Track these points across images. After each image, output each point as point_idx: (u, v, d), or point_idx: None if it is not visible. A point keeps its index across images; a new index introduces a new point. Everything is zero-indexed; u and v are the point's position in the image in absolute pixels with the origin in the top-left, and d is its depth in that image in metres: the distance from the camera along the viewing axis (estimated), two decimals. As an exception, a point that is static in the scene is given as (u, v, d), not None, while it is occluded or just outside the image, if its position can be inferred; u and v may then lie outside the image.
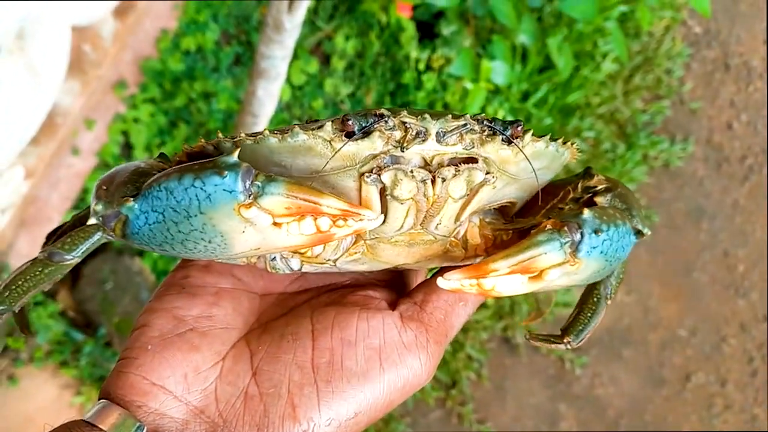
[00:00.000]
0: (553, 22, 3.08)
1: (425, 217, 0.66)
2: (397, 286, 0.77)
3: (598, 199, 0.71)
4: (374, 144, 0.63)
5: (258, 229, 0.60)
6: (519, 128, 0.66)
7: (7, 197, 2.36)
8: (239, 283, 0.73)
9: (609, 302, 0.78)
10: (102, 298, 2.57)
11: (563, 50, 2.77)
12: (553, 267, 0.65)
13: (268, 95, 2.01)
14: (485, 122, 0.65)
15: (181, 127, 2.81)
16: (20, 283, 0.67)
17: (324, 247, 0.67)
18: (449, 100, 2.99)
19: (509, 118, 3.10)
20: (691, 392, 3.10)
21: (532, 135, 0.68)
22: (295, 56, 2.96)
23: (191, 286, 0.70)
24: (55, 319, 2.53)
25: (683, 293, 3.26)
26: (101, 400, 0.63)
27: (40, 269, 0.67)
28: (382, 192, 0.64)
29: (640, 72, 3.53)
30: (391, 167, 0.63)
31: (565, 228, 0.64)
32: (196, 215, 0.59)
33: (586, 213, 0.65)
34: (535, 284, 0.66)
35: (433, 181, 0.64)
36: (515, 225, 0.73)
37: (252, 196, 0.58)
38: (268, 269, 0.69)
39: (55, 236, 0.78)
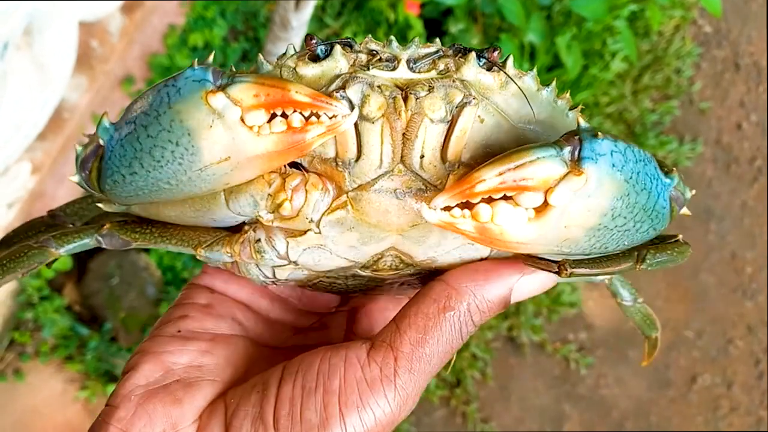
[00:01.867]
0: (562, 21, 3.06)
1: (404, 145, 0.60)
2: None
3: None
4: (338, 63, 0.60)
5: (226, 125, 0.56)
6: (496, 52, 0.61)
7: (14, 192, 2.37)
8: (238, 328, 0.71)
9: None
10: (108, 293, 2.58)
11: (572, 49, 2.76)
12: (558, 184, 0.55)
13: (275, 93, 2.01)
14: (457, 47, 0.61)
15: (188, 124, 2.81)
16: (5, 262, 0.68)
17: (305, 198, 0.61)
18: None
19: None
20: (697, 394, 3.09)
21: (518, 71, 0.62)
22: (303, 53, 2.96)
23: (187, 330, 0.69)
24: (60, 313, 2.54)
25: (690, 295, 3.25)
26: None
27: (26, 251, 0.68)
28: (356, 125, 0.60)
29: (650, 71, 3.51)
30: (356, 81, 0.59)
31: (562, 139, 0.56)
32: (165, 111, 0.57)
33: (583, 123, 0.57)
34: (543, 220, 0.57)
35: (406, 99, 0.58)
36: None
37: (221, 86, 0.56)
38: (254, 261, 0.66)
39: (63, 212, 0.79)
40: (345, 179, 0.61)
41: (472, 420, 2.90)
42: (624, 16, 3.03)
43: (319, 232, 0.63)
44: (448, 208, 0.57)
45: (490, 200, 0.57)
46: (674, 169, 0.63)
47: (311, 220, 0.62)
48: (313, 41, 0.61)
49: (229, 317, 0.71)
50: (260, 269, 0.68)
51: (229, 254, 0.66)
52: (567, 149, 0.55)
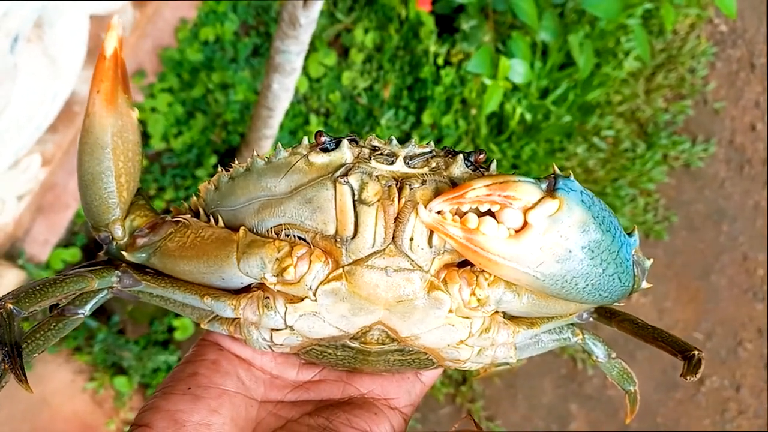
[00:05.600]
0: (575, 19, 3.04)
1: (396, 227, 0.68)
2: (399, 402, 0.80)
3: None
4: (344, 154, 0.71)
5: None
6: (481, 155, 0.71)
7: (25, 184, 2.39)
8: (242, 386, 0.76)
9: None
10: (116, 286, 2.59)
11: (584, 47, 2.73)
12: (535, 206, 0.64)
13: (284, 89, 2.01)
14: (447, 149, 0.72)
15: (198, 118, 2.82)
16: (38, 335, 0.76)
17: (309, 267, 0.69)
18: (467, 95, 2.97)
19: (528, 115, 3.05)
20: (705, 396, 3.07)
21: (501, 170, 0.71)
22: (314, 48, 2.95)
23: (197, 386, 0.74)
24: (69, 305, 2.55)
25: (700, 296, 3.22)
26: None
27: (54, 324, 0.76)
28: (354, 203, 0.69)
29: (663, 70, 3.47)
30: (357, 169, 0.69)
31: (540, 177, 0.66)
32: None
33: (557, 170, 0.66)
34: (521, 239, 0.65)
35: (401, 188, 0.68)
36: None
37: None
38: (258, 317, 0.73)
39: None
40: (342, 254, 0.69)
41: (477, 418, 2.89)
42: (638, 14, 3.01)
43: (315, 300, 0.70)
44: (441, 213, 0.66)
45: (479, 215, 0.67)
46: (635, 228, 0.73)
47: (310, 288, 0.70)
48: (323, 138, 0.71)
49: (234, 375, 0.76)
50: (259, 331, 0.74)
51: (233, 307, 0.73)
52: (545, 182, 0.65)
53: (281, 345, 0.76)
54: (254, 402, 0.76)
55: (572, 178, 0.66)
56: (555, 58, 2.99)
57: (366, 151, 0.72)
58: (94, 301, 0.76)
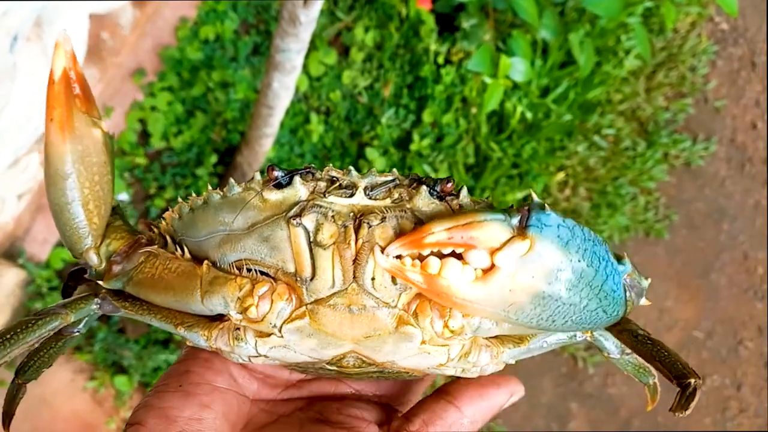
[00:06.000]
0: (576, 17, 3.03)
1: (356, 269, 0.64)
2: (395, 399, 0.78)
3: None
4: (297, 191, 0.67)
5: None
6: (449, 184, 0.66)
7: (24, 183, 2.38)
8: (234, 384, 0.75)
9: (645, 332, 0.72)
10: (116, 285, 2.59)
11: (585, 46, 2.73)
12: (503, 247, 0.59)
13: (284, 88, 2.01)
14: (412, 177, 0.67)
15: (198, 116, 2.82)
16: (42, 354, 0.76)
17: (271, 307, 0.67)
18: (467, 94, 2.96)
19: (528, 114, 3.04)
20: (706, 395, 3.07)
21: (472, 196, 0.66)
22: (314, 47, 2.95)
23: (189, 383, 0.73)
24: (70, 304, 2.55)
25: (701, 295, 3.22)
26: None
27: (54, 344, 0.76)
28: (310, 245, 0.66)
29: (664, 69, 3.47)
30: (311, 210, 0.65)
31: (512, 208, 0.61)
32: None
33: (536, 199, 0.61)
34: (489, 280, 0.60)
35: (359, 227, 0.64)
36: None
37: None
38: (230, 349, 0.71)
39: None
40: (303, 293, 0.67)
41: (478, 417, 2.89)
42: (638, 13, 3.00)
43: (281, 336, 0.68)
44: (400, 257, 0.61)
45: (441, 256, 0.61)
46: (625, 255, 0.66)
47: (274, 326, 0.68)
48: (275, 173, 0.68)
49: (226, 372, 0.75)
50: (237, 355, 0.73)
51: (205, 338, 0.71)
52: (516, 217, 0.59)
53: (261, 364, 0.75)
54: (246, 399, 0.76)
55: (548, 210, 0.59)
56: (555, 57, 2.99)
57: (322, 184, 0.67)
58: (82, 310, 0.75)
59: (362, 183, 0.67)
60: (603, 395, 3.02)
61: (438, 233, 0.59)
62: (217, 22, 2.90)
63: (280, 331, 0.68)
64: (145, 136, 2.79)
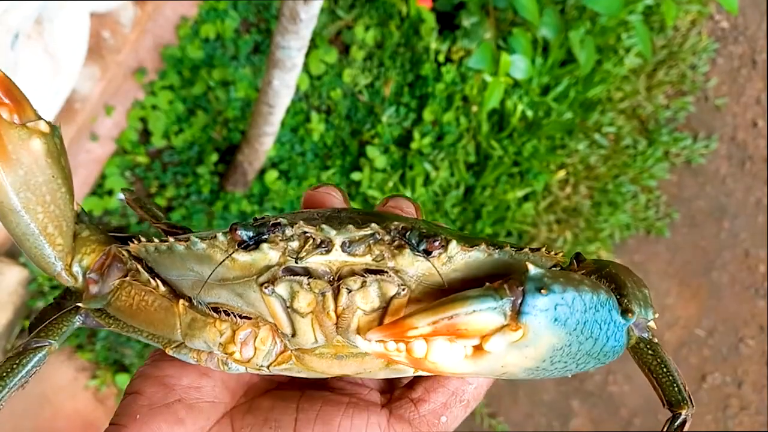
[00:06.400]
0: (576, 15, 3.03)
1: (338, 327, 0.61)
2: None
3: None
4: (267, 255, 0.60)
5: None
6: (436, 242, 0.59)
7: (26, 181, 2.38)
8: None
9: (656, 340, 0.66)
10: (118, 284, 2.59)
11: (585, 44, 2.73)
12: (494, 334, 0.54)
13: (284, 86, 2.01)
14: (394, 232, 0.60)
15: (199, 115, 2.82)
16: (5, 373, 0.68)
17: (254, 352, 0.64)
18: (468, 92, 2.97)
19: (529, 112, 3.04)
20: (707, 392, 3.07)
21: (465, 245, 0.61)
22: (315, 46, 2.95)
23: None
24: (71, 302, 2.55)
25: (702, 292, 3.22)
26: None
27: (19, 359, 0.68)
28: (287, 310, 0.61)
29: (664, 67, 3.47)
30: (284, 278, 0.60)
31: (505, 287, 0.55)
32: None
33: (532, 269, 0.55)
34: (479, 360, 0.56)
35: (338, 292, 0.59)
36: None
37: None
38: (222, 368, 0.69)
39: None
40: (286, 342, 0.64)
41: (479, 416, 2.89)
42: (639, 11, 3.00)
43: (270, 371, 0.66)
44: (383, 341, 0.57)
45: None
46: (632, 308, 0.61)
47: (261, 366, 0.65)
48: (239, 234, 0.60)
49: None
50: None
51: (195, 360, 0.68)
52: (507, 301, 0.54)
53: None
54: None
55: (544, 293, 0.54)
56: (556, 55, 2.99)
57: (294, 244, 0.60)
58: (66, 332, 0.70)
59: (338, 240, 0.59)
60: (604, 394, 3.02)
61: (421, 328, 0.55)
62: (217, 21, 2.91)
63: (268, 368, 0.66)
64: (146, 134, 2.79)
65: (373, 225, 0.60)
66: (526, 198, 3.07)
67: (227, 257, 0.60)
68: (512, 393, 2.97)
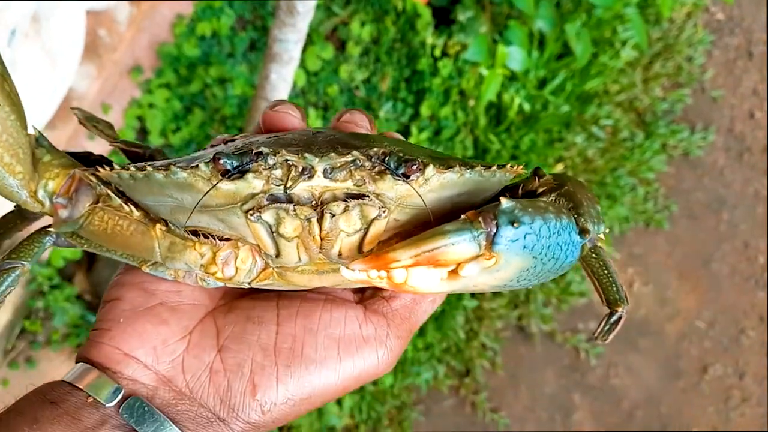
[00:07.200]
0: (572, 8, 3.04)
1: (322, 248, 0.64)
2: None
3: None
4: (251, 184, 0.61)
5: None
6: (414, 166, 0.62)
7: (24, 181, 2.38)
8: None
9: (603, 248, 0.72)
10: (117, 282, 2.59)
11: (581, 36, 2.74)
12: (469, 262, 0.59)
13: (282, 79, 2.01)
14: (375, 158, 0.62)
15: (197, 113, 2.82)
16: None
17: (236, 271, 0.66)
18: (465, 86, 2.97)
19: (526, 105, 3.04)
20: (709, 384, 3.07)
21: (440, 167, 0.64)
22: (311, 42, 2.95)
23: None
24: (71, 302, 2.55)
25: (702, 284, 3.22)
26: (79, 364, 0.68)
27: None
28: (273, 234, 0.63)
29: (661, 59, 3.47)
30: (270, 206, 0.61)
31: (480, 219, 0.59)
32: None
33: (505, 203, 0.60)
34: (453, 282, 0.61)
35: (322, 217, 0.62)
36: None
37: None
38: (200, 284, 0.69)
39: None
40: (269, 261, 0.66)
41: (481, 409, 2.89)
42: (634, 2, 3.01)
43: (251, 286, 0.68)
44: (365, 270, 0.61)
45: None
46: (588, 227, 0.66)
47: (242, 283, 0.68)
48: (221, 162, 0.61)
49: None
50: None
51: (172, 276, 0.69)
52: (482, 233, 0.59)
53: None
54: None
55: (516, 226, 0.59)
56: (552, 48, 2.99)
57: (278, 172, 0.61)
58: (36, 251, 0.70)
59: (320, 167, 0.61)
60: (606, 386, 3.02)
61: (403, 260, 0.59)
62: (213, 19, 2.91)
63: (249, 284, 0.68)
64: (143, 133, 2.79)
65: (354, 152, 0.61)
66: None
67: (212, 187, 0.61)
68: (513, 387, 2.97)
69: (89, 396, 0.64)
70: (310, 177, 0.61)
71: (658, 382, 3.04)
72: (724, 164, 3.44)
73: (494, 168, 0.67)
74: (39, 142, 0.71)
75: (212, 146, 0.73)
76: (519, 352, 3.03)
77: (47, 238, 0.70)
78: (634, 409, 3.00)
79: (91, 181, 0.69)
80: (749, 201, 3.38)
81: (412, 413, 2.84)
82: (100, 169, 0.68)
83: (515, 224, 0.59)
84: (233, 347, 0.67)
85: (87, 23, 2.34)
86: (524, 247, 0.60)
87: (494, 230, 0.59)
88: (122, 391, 0.64)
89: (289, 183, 0.61)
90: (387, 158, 0.62)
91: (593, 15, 3.03)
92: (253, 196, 0.61)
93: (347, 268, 0.60)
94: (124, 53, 2.66)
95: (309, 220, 0.61)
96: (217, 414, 0.65)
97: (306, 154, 0.61)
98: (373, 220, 0.63)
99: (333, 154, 0.61)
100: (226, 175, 0.61)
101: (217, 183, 0.61)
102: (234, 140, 0.71)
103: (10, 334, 2.48)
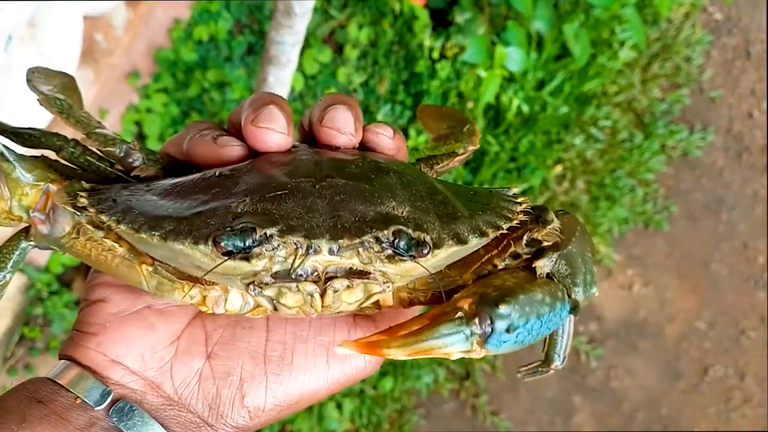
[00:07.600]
0: (570, 9, 3.04)
1: (321, 315, 0.64)
2: None
3: (539, 263, 0.64)
4: (254, 265, 0.58)
5: None
6: (424, 251, 0.60)
7: (21, 186, 2.37)
8: None
9: (575, 317, 0.70)
10: (116, 288, 2.58)
11: (580, 37, 2.73)
12: (459, 352, 0.60)
13: (279, 82, 2.00)
14: (385, 242, 0.59)
15: (194, 117, 2.81)
16: None
17: (225, 312, 0.65)
18: (463, 88, 2.96)
19: (524, 107, 3.04)
20: (709, 386, 3.06)
21: (450, 241, 0.62)
22: (308, 45, 2.95)
23: None
24: (70, 308, 2.54)
25: (701, 285, 3.22)
26: (62, 361, 0.66)
27: None
28: (272, 302, 0.61)
29: (659, 60, 3.47)
30: (274, 284, 0.59)
31: (476, 320, 0.59)
32: None
33: (503, 308, 0.59)
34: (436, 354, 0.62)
35: (324, 292, 0.60)
36: (435, 287, 0.68)
37: None
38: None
39: None
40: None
41: (481, 413, 2.88)
42: (632, 3, 3.01)
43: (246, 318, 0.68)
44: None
45: None
46: (579, 300, 0.65)
47: (236, 316, 0.67)
48: (223, 245, 0.57)
49: None
50: None
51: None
52: (476, 332, 0.59)
53: None
54: None
55: (510, 332, 0.60)
56: (550, 49, 2.99)
57: (282, 252, 0.58)
58: (13, 258, 0.65)
59: (326, 246, 0.58)
60: (606, 389, 3.01)
61: (395, 350, 0.59)
62: (210, 23, 2.90)
63: (243, 315, 0.66)
64: (141, 138, 2.78)
65: (364, 237, 0.59)
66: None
67: (215, 267, 0.59)
68: (514, 390, 2.97)
69: (77, 397, 0.63)
70: (316, 253, 0.59)
71: (658, 384, 3.04)
72: (723, 164, 3.44)
73: (503, 227, 0.65)
74: (4, 157, 0.65)
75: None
76: (519, 355, 3.02)
77: (25, 244, 0.65)
78: (635, 410, 2.99)
79: (66, 208, 0.64)
80: (748, 201, 3.38)
81: (413, 417, 2.83)
82: (79, 198, 0.63)
83: (510, 331, 0.60)
84: (222, 354, 0.67)
85: (84, 28, 2.33)
86: (515, 343, 0.61)
87: (489, 332, 0.59)
88: (111, 395, 0.63)
89: (296, 263, 0.58)
90: (396, 240, 0.60)
91: (591, 15, 3.03)
92: (255, 273, 0.59)
93: (339, 347, 0.59)
94: (121, 58, 2.65)
95: (311, 295, 0.60)
96: (205, 420, 0.65)
97: (312, 237, 0.58)
98: (374, 294, 0.62)
99: (340, 231, 0.59)
100: (228, 254, 0.58)
101: (220, 263, 0.58)
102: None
103: (9, 340, 2.47)
